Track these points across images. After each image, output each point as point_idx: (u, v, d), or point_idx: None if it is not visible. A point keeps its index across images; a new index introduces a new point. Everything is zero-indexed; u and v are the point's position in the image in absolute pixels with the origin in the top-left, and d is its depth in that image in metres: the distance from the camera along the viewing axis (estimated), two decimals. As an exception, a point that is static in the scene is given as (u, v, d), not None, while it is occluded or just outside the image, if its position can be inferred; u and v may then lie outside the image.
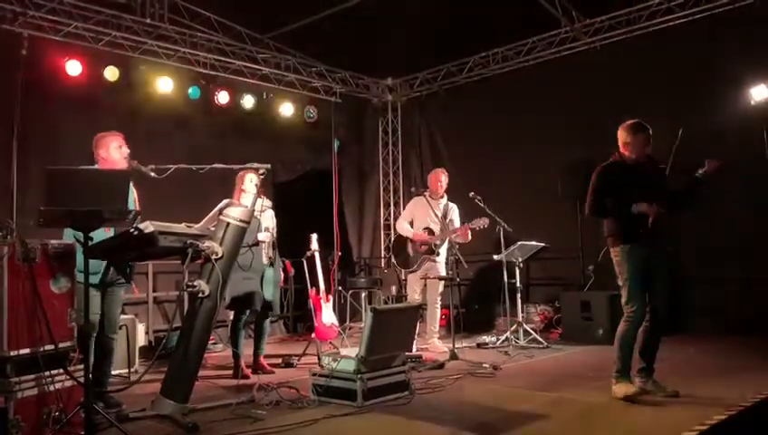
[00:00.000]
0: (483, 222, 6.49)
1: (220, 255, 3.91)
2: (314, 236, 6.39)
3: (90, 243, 3.42)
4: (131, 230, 3.47)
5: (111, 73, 7.35)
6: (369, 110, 10.72)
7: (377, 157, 10.78)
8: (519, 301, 7.04)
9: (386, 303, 8.63)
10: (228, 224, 4.01)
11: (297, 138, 9.37)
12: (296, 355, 6.23)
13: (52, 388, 3.44)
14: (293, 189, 9.20)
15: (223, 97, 8.42)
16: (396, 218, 9.52)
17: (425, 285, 6.76)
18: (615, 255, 4.36)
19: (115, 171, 4.11)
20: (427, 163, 9.99)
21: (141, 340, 6.41)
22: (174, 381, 3.90)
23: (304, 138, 9.49)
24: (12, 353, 3.29)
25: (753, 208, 6.81)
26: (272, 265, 5.67)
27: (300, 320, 9.19)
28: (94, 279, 3.97)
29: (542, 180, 8.10)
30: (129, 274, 4.35)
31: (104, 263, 3.94)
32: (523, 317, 7.11)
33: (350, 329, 8.04)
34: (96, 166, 4.31)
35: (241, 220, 4.04)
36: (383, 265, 10.36)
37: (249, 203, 4.51)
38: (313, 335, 6.28)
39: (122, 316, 5.07)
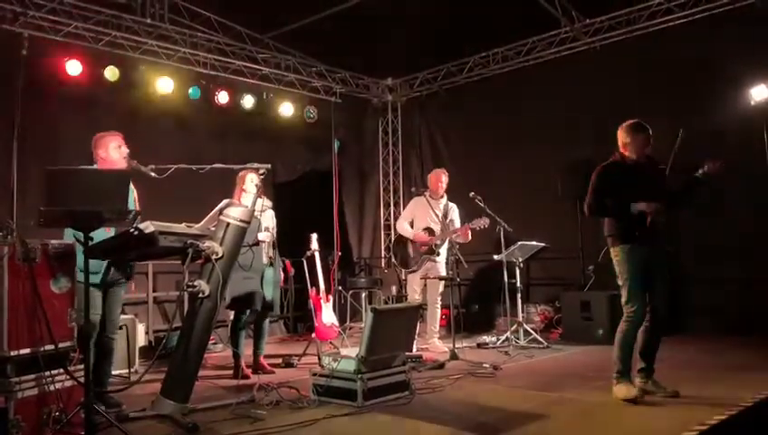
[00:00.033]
0: (483, 222, 6.49)
1: (220, 255, 3.91)
2: (314, 236, 6.39)
3: (90, 243, 3.42)
4: (131, 230, 3.47)
5: (112, 73, 7.35)
6: (369, 110, 10.73)
7: (377, 157, 10.79)
8: (519, 301, 7.04)
9: (386, 303, 8.63)
10: (228, 224, 4.01)
11: (297, 138, 9.37)
12: (296, 355, 6.23)
13: (52, 388, 3.44)
14: (293, 189, 9.20)
15: (223, 97, 8.42)
16: (396, 218, 9.52)
17: (425, 285, 6.76)
18: (615, 254, 4.36)
19: (115, 171, 4.11)
20: (428, 163, 10.00)
21: (141, 340, 6.41)
22: (174, 382, 3.90)
23: (304, 138, 9.49)
24: (12, 353, 3.29)
25: (753, 208, 6.82)
26: (272, 265, 5.68)
27: (300, 320, 9.19)
28: (96, 279, 3.98)
29: (542, 180, 8.10)
30: (130, 272, 4.36)
31: (105, 262, 3.94)
32: (523, 317, 7.11)
33: (350, 329, 8.04)
34: (95, 166, 4.32)
35: (241, 220, 4.04)
36: (383, 265, 10.37)
37: (249, 203, 4.51)
38: (313, 335, 6.28)
39: (122, 316, 5.06)
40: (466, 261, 6.47)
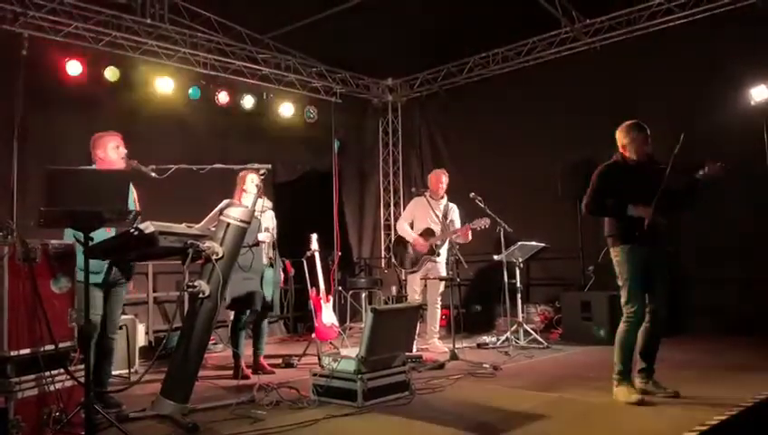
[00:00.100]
0: (484, 222, 6.49)
1: (220, 255, 3.91)
2: (314, 237, 6.40)
3: (90, 243, 3.42)
4: (132, 230, 3.47)
5: (112, 74, 7.35)
6: (369, 110, 10.73)
7: (377, 157, 10.79)
8: (519, 301, 7.04)
9: (386, 303, 8.63)
10: (229, 224, 4.01)
11: (297, 138, 9.37)
12: (296, 355, 6.23)
13: (52, 388, 3.44)
14: (294, 190, 9.20)
15: (223, 97, 8.42)
16: (396, 219, 9.52)
17: (425, 286, 6.77)
18: (615, 255, 4.36)
19: (115, 171, 4.11)
20: (428, 163, 10.00)
21: (141, 340, 6.41)
22: (174, 382, 3.90)
23: (304, 138, 9.49)
24: (12, 353, 3.30)
25: (754, 208, 6.81)
26: (272, 265, 5.68)
27: (300, 320, 9.18)
28: (97, 279, 3.98)
29: (542, 180, 8.10)
30: (130, 272, 4.36)
31: (107, 263, 3.94)
32: (523, 317, 7.11)
33: (350, 329, 8.04)
34: (93, 166, 4.32)
35: (241, 220, 4.04)
36: (383, 265, 10.37)
37: (250, 203, 4.51)
38: (313, 336, 6.28)
39: (122, 316, 5.06)
40: (466, 261, 6.47)
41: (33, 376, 3.39)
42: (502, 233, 6.77)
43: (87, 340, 3.61)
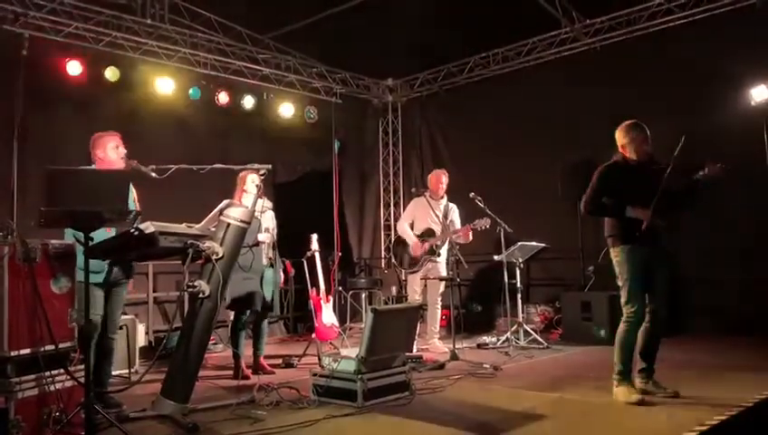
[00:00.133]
0: (484, 223, 6.49)
1: (221, 255, 3.91)
2: (314, 237, 6.40)
3: (90, 243, 3.42)
4: (132, 230, 3.47)
5: (112, 74, 7.36)
6: (369, 110, 10.73)
7: (377, 157, 10.79)
8: (519, 301, 7.04)
9: (386, 303, 8.63)
10: (229, 224, 4.01)
11: (297, 138, 9.37)
12: (296, 356, 6.23)
13: (52, 388, 3.44)
14: (294, 190, 9.20)
15: (223, 97, 8.43)
16: (396, 219, 9.53)
17: (425, 286, 6.76)
18: (615, 255, 4.36)
19: (115, 171, 4.12)
20: (428, 164, 10.00)
21: (141, 340, 6.41)
22: (174, 382, 3.90)
23: (305, 138, 9.49)
24: (12, 354, 3.30)
25: (754, 209, 6.81)
26: (272, 265, 5.68)
27: (300, 320, 9.18)
28: (98, 278, 3.98)
29: (542, 181, 8.10)
30: (131, 272, 4.36)
31: (107, 262, 3.95)
32: (523, 318, 7.11)
33: (350, 329, 8.04)
34: (93, 166, 4.32)
35: (241, 221, 4.04)
36: (383, 265, 10.37)
37: (250, 204, 4.51)
38: (314, 336, 6.28)
39: (122, 316, 5.06)
40: (467, 261, 6.47)
41: (33, 376, 3.39)
42: (502, 233, 6.77)
43: (87, 340, 3.62)
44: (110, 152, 4.32)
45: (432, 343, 6.76)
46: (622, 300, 4.32)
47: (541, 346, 6.73)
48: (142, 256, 4.48)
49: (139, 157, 4.31)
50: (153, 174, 4.16)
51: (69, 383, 3.52)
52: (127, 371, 5.53)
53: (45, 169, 3.46)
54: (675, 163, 4.21)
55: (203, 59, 8.16)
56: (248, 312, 5.50)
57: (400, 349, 4.55)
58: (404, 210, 7.75)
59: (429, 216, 6.72)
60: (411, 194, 7.61)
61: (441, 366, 5.63)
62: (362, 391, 4.14)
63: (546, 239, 7.22)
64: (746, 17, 6.91)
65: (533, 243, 7.07)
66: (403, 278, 7.42)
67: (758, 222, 6.78)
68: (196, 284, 3.86)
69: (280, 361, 6.10)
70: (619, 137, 4.43)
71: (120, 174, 3.99)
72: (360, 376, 4.16)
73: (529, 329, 7.02)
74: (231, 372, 5.46)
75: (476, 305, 8.72)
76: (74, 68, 7.07)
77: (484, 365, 5.58)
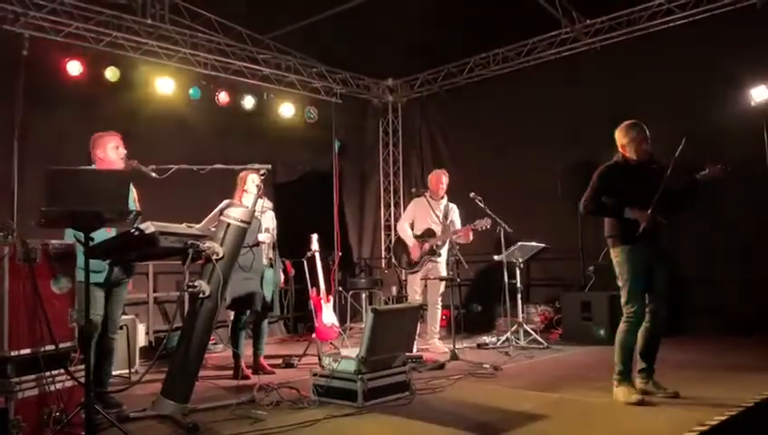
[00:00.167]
0: (485, 223, 6.49)
1: (221, 255, 3.91)
2: (315, 237, 6.40)
3: (90, 243, 3.42)
4: (132, 231, 3.48)
5: (112, 74, 7.36)
6: (369, 110, 10.73)
7: (377, 157, 10.80)
8: (519, 301, 7.04)
9: (386, 303, 8.64)
10: (229, 224, 4.01)
11: (297, 138, 9.37)
12: (297, 356, 6.23)
13: (52, 388, 3.44)
14: (294, 190, 9.20)
15: (223, 97, 8.43)
16: (396, 219, 9.53)
17: (425, 286, 6.77)
18: (615, 255, 4.36)
19: (115, 172, 4.12)
20: (428, 164, 10.00)
21: (142, 340, 6.41)
22: (174, 382, 3.90)
23: (305, 138, 9.49)
24: (12, 354, 3.30)
25: (753, 209, 6.82)
26: (272, 266, 5.68)
27: (300, 320, 9.18)
28: (99, 278, 3.98)
29: (542, 181, 8.10)
30: (131, 271, 4.36)
31: (108, 262, 3.95)
32: (523, 318, 7.11)
33: (350, 329, 8.05)
34: (93, 166, 4.32)
35: (242, 221, 4.05)
36: (384, 265, 10.37)
37: (250, 204, 4.51)
38: (314, 336, 6.28)
39: (123, 316, 5.06)
40: (467, 261, 6.47)
41: (33, 376, 3.39)
42: (502, 233, 6.77)
43: (87, 340, 3.62)
44: (111, 152, 4.32)
45: (432, 343, 6.76)
46: (622, 300, 4.32)
47: (541, 346, 6.73)
48: (142, 256, 4.48)
49: (139, 157, 4.31)
50: (153, 174, 4.16)
51: (69, 383, 3.53)
52: (127, 371, 5.53)
53: (45, 169, 3.45)
54: (675, 164, 4.21)
55: (203, 59, 8.16)
56: (248, 312, 5.50)
57: (400, 349, 4.55)
58: (404, 210, 7.75)
59: (429, 216, 6.72)
60: (411, 194, 7.61)
61: (441, 366, 5.63)
62: (362, 391, 4.14)
63: (546, 239, 7.22)
64: (746, 17, 6.91)
65: (533, 243, 7.07)
66: (403, 278, 7.42)
67: (758, 222, 6.79)
68: (196, 284, 3.86)
69: (280, 361, 6.10)
70: (619, 137, 4.43)
71: (121, 174, 3.99)
72: (360, 376, 4.16)
73: (529, 329, 7.02)
74: (231, 372, 5.46)
75: (476, 305, 8.72)
76: (74, 68, 7.07)
77: (485, 365, 5.58)
